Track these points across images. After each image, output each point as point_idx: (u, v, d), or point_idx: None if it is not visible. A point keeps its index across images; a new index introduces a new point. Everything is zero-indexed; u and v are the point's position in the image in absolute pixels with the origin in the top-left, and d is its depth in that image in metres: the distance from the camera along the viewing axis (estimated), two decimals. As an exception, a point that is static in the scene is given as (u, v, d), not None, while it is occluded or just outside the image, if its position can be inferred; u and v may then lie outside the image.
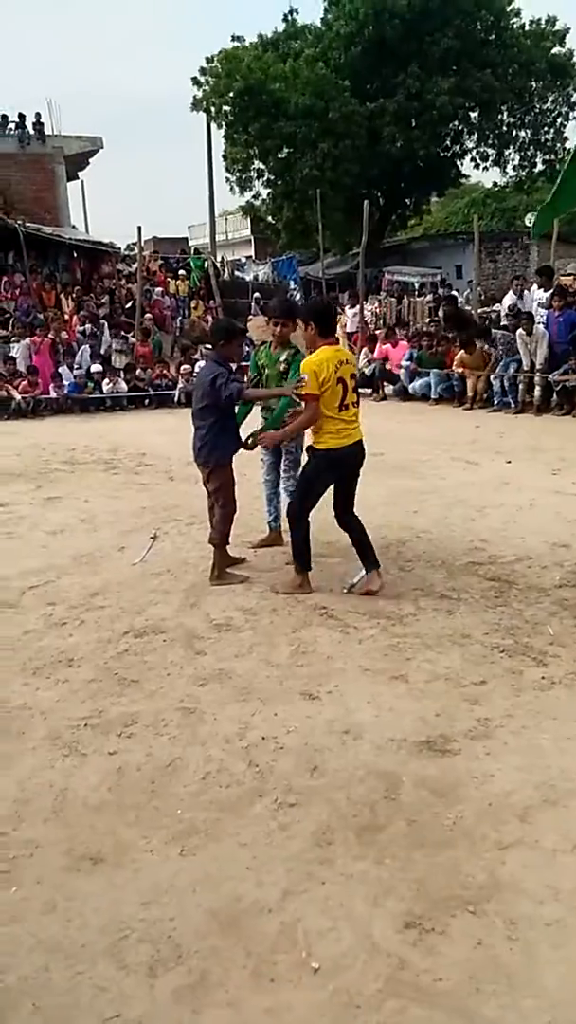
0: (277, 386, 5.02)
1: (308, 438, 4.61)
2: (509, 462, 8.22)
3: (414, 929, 2.14)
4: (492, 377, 11.94)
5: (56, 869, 2.43)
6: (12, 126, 21.69)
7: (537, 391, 11.32)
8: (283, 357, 5.08)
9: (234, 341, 4.96)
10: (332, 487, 4.63)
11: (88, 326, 16.45)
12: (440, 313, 16.84)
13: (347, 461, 4.54)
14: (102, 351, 15.36)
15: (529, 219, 28.16)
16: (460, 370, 12.38)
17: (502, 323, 13.50)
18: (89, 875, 2.40)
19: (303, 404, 4.44)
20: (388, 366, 14.08)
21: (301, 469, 4.72)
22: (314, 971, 2.02)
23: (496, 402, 11.80)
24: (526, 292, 12.65)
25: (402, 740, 3.07)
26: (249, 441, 5.04)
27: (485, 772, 2.84)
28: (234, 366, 5.06)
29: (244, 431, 5.07)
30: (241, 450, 5.02)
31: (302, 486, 4.66)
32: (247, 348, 15.53)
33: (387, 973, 2.01)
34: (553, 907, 2.21)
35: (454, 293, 20.19)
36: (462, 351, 12.33)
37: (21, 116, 21.63)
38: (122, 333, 15.96)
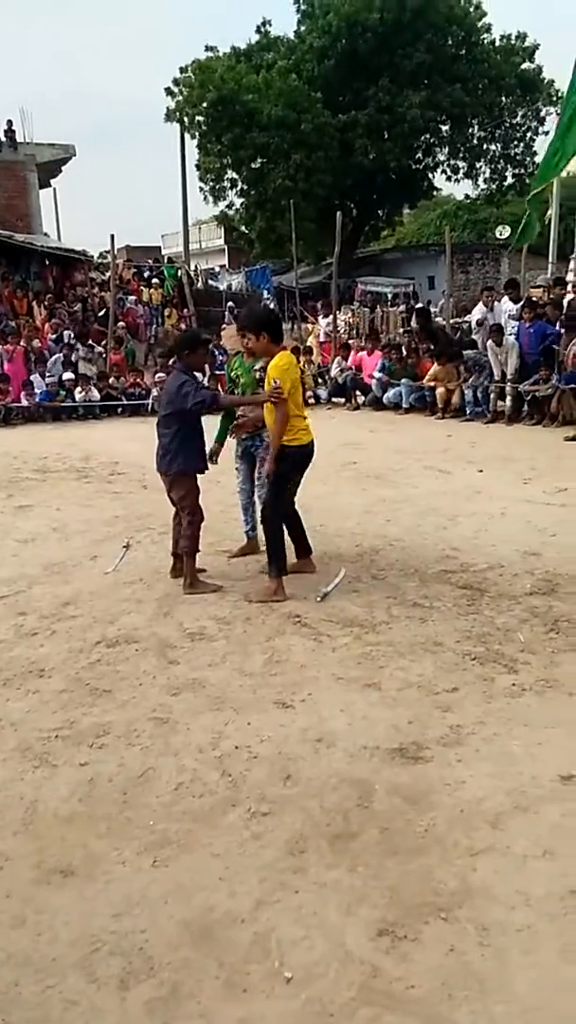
0: (253, 393, 5.08)
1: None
2: (481, 471, 8.29)
3: (387, 936, 2.15)
4: (464, 386, 12.05)
5: (26, 882, 2.40)
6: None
7: (508, 401, 11.44)
8: (258, 365, 5.12)
9: (199, 350, 4.99)
10: None
11: (61, 333, 16.37)
12: (412, 324, 16.97)
13: (311, 455, 4.80)
14: (73, 359, 15.27)
15: (500, 231, 28.58)
16: (432, 383, 12.50)
17: (473, 334, 13.64)
18: (59, 888, 2.38)
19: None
20: (361, 376, 14.15)
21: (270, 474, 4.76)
22: (287, 980, 2.02)
23: (468, 412, 11.90)
24: (496, 304, 12.80)
25: (375, 748, 3.07)
26: (214, 458, 5.26)
27: (457, 779, 2.86)
28: (205, 376, 5.11)
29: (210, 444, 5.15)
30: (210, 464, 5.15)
31: (274, 487, 4.75)
32: (220, 357, 15.60)
33: (360, 981, 2.01)
34: (524, 913, 2.22)
35: (427, 305, 20.39)
36: (435, 365, 12.45)
37: (-8, 123, 21.54)
38: (89, 342, 15.88)
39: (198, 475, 4.98)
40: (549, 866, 2.40)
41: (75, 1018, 1.92)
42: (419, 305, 20.66)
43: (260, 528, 5.12)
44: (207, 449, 5.07)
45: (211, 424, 5.20)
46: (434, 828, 2.59)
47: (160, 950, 2.12)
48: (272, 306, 21.91)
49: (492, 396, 11.71)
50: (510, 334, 11.57)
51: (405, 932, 2.16)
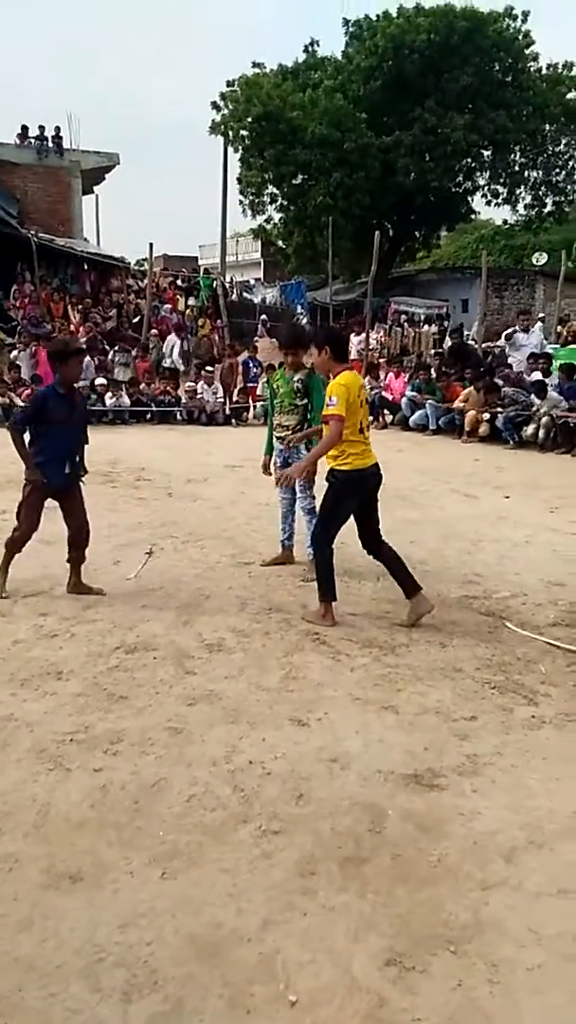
0: (290, 404, 5.35)
1: (327, 463, 4.54)
2: (507, 497, 8.24)
3: (394, 966, 2.12)
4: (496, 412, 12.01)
5: (34, 886, 2.40)
6: (32, 138, 21.95)
7: (541, 431, 11.39)
8: (296, 377, 5.30)
9: (70, 361, 4.80)
10: (355, 516, 4.60)
11: (95, 337, 16.57)
12: (445, 345, 16.98)
13: (369, 482, 4.54)
14: (107, 364, 15.44)
15: (536, 258, 28.53)
16: (462, 405, 12.47)
17: (507, 352, 13.73)
18: (67, 894, 2.37)
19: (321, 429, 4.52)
20: (389, 395, 14.17)
21: (323, 496, 4.61)
22: (291, 1004, 1.99)
23: (503, 434, 11.86)
24: (531, 328, 12.88)
25: (389, 772, 3.04)
26: (266, 470, 5.61)
27: (472, 809, 2.82)
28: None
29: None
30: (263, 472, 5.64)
31: (326, 512, 4.57)
32: (254, 369, 15.68)
33: (365, 1010, 1.98)
34: (535, 951, 2.18)
35: (460, 327, 20.38)
36: (469, 388, 12.43)
37: (41, 128, 21.90)
38: (125, 347, 16.06)
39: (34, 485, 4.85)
40: (563, 904, 2.36)
41: (77, 1028, 1.91)
42: (450, 327, 20.66)
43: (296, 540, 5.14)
44: (63, 463, 4.87)
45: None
46: (446, 858, 2.56)
47: (165, 964, 2.11)
48: (305, 321, 22.01)
49: (520, 422, 11.67)
50: (553, 388, 11.61)
51: (413, 963, 2.13)
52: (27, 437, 4.82)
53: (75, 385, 4.91)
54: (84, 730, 3.31)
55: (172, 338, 17.55)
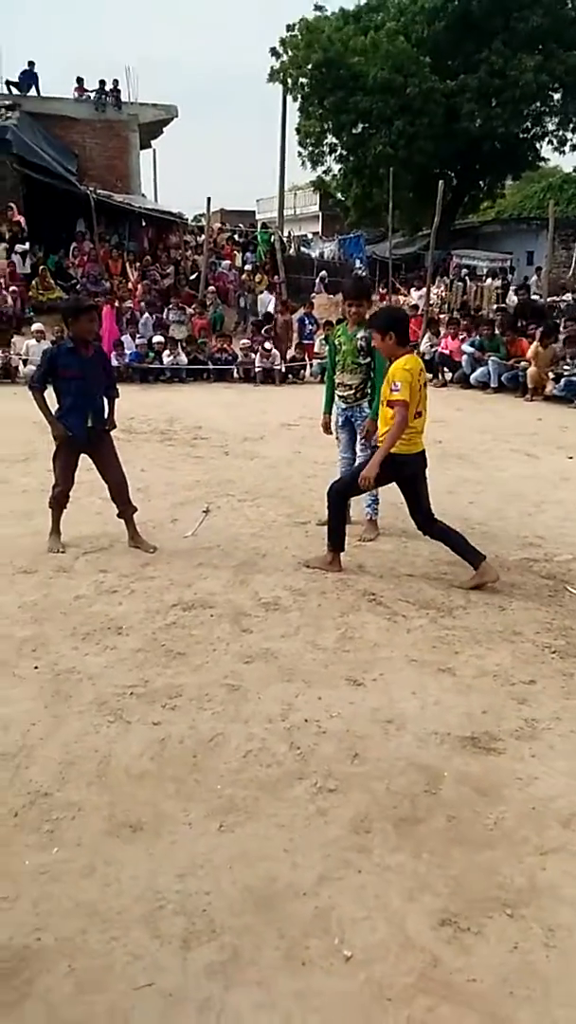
0: (353, 362, 5.16)
1: (376, 438, 4.56)
2: (571, 457, 8.02)
3: (449, 927, 2.12)
4: (563, 369, 11.63)
5: (97, 833, 2.47)
6: (90, 92, 21.78)
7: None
8: (360, 334, 5.10)
9: (81, 318, 4.81)
10: (403, 496, 4.62)
11: (152, 294, 16.57)
12: (509, 301, 16.45)
13: (407, 468, 4.48)
14: (165, 321, 15.44)
15: (607, 207, 27.27)
16: (527, 362, 12.09)
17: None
18: (128, 842, 2.44)
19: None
20: (448, 352, 13.83)
21: (364, 461, 4.60)
22: (346, 959, 2.02)
23: (563, 397, 11.51)
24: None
25: (446, 735, 3.03)
26: (328, 428, 5.53)
27: (530, 774, 2.79)
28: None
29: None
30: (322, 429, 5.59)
31: (355, 477, 4.55)
32: (310, 326, 15.48)
33: (419, 969, 2.00)
34: (593, 918, 2.16)
35: (524, 281, 19.71)
36: (536, 343, 12.03)
37: (101, 83, 21.70)
38: (180, 304, 16.01)
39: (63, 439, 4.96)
40: (622, 873, 2.32)
41: (138, 972, 1.97)
42: (515, 282, 19.97)
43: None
44: (83, 415, 4.94)
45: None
46: (503, 822, 2.55)
47: (223, 914, 2.16)
48: (364, 274, 21.57)
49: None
50: None
51: (468, 924, 2.13)
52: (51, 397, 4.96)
53: (88, 341, 4.95)
54: (143, 684, 3.38)
55: (266, 296, 17.84)
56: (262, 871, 2.32)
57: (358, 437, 5.27)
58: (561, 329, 12.26)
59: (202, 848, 2.41)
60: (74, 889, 2.24)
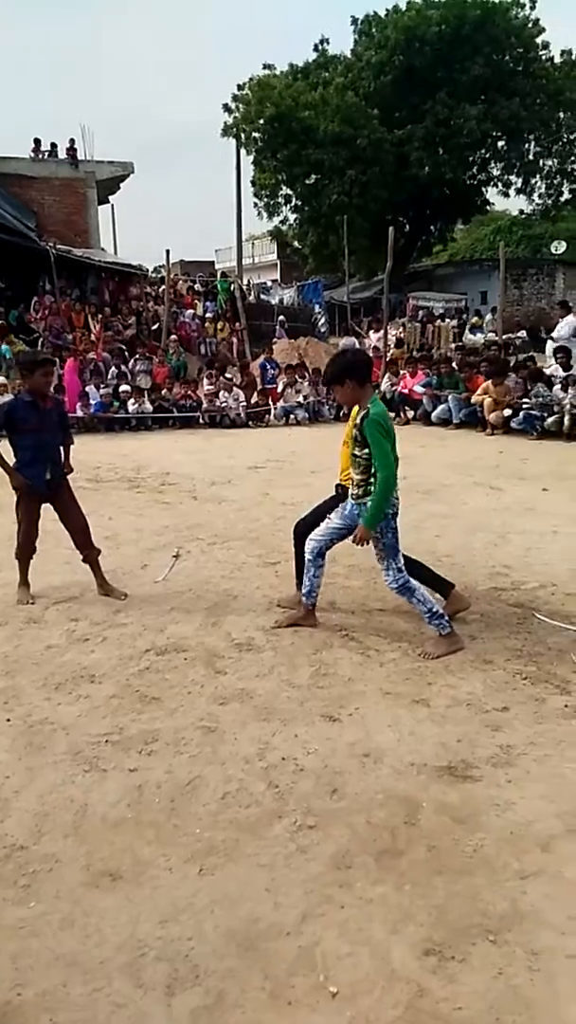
0: (352, 453, 4.14)
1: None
2: (545, 489, 8.13)
3: (434, 956, 2.12)
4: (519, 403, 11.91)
5: (75, 884, 2.44)
6: (45, 152, 22.23)
7: (567, 419, 11.29)
8: (356, 420, 4.11)
9: (37, 372, 4.85)
10: (323, 506, 4.59)
11: (116, 346, 16.71)
12: (464, 339, 16.87)
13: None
14: (129, 371, 15.56)
15: (555, 247, 28.27)
16: (482, 398, 12.37)
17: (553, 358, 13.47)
18: (108, 891, 2.40)
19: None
20: (407, 391, 14.11)
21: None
22: (332, 995, 2.01)
23: (521, 424, 11.75)
24: (561, 320, 12.92)
25: (423, 765, 3.04)
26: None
27: (507, 800, 2.81)
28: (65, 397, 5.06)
29: None
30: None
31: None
32: (271, 371, 15.69)
33: (406, 1000, 1.99)
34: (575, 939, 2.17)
35: (477, 315, 20.24)
36: (488, 382, 12.34)
37: (53, 145, 22.23)
38: (146, 354, 16.17)
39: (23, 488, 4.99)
40: (602, 893, 2.34)
41: (122, 1021, 1.93)
42: (469, 321, 20.51)
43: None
44: (43, 467, 4.97)
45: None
46: (483, 849, 2.56)
47: (206, 958, 2.13)
48: (323, 320, 21.99)
49: (544, 413, 11.57)
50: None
51: (452, 953, 2.13)
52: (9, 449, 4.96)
53: (46, 394, 4.97)
54: (118, 731, 3.35)
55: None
56: (244, 912, 2.30)
57: (376, 548, 4.18)
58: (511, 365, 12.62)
59: (183, 893, 2.39)
60: (53, 942, 2.20)
